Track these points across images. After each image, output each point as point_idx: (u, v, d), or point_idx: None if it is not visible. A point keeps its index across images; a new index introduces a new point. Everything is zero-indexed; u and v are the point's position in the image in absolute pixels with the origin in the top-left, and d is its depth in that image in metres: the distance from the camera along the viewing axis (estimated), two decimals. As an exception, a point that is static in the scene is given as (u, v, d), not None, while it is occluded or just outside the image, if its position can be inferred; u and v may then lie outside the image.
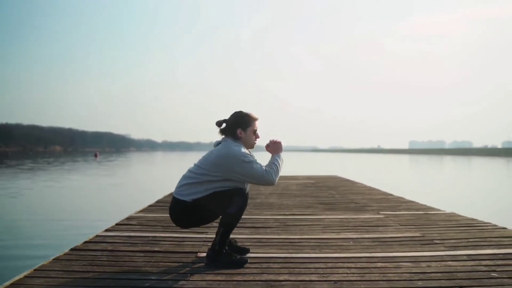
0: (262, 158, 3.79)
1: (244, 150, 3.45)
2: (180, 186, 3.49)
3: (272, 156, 3.57)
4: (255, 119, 3.57)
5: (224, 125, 3.58)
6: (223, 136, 3.57)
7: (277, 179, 3.46)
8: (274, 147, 3.62)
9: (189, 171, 3.52)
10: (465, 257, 3.70)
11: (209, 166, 3.42)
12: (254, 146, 3.62)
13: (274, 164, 3.48)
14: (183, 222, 3.55)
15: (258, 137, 3.62)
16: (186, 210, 3.44)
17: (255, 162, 3.39)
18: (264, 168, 3.41)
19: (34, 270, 3.30)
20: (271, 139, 3.67)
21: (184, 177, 3.52)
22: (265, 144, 3.67)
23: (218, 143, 3.57)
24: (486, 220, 5.56)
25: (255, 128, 3.58)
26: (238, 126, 3.52)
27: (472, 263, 3.53)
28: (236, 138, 3.52)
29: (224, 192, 3.41)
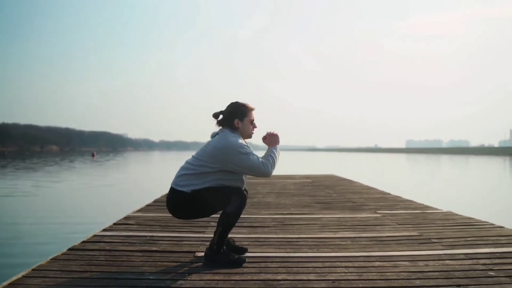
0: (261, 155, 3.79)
1: (241, 141, 3.46)
2: (178, 176, 3.50)
3: (268, 148, 3.58)
4: (252, 109, 3.58)
5: (221, 116, 3.59)
6: (220, 127, 3.58)
7: (273, 171, 3.46)
8: (271, 140, 3.63)
9: (187, 162, 3.53)
10: (462, 256, 3.71)
11: (206, 157, 3.43)
12: (252, 136, 3.62)
13: (270, 156, 3.48)
14: (180, 213, 3.54)
15: (256, 127, 3.63)
16: (184, 201, 3.43)
17: (251, 153, 3.39)
18: (260, 159, 3.41)
19: (32, 270, 3.29)
20: (269, 131, 3.69)
21: (182, 168, 3.52)
22: (262, 136, 3.69)
23: (215, 134, 3.58)
24: (483, 219, 5.58)
25: (252, 118, 3.58)
26: (235, 116, 3.52)
27: (470, 262, 3.54)
28: (233, 128, 3.52)
29: (224, 188, 3.42)
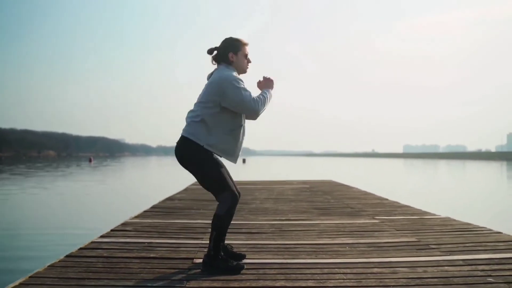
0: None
1: (236, 74, 3.49)
2: (186, 125, 3.51)
3: (262, 90, 3.63)
4: (246, 44, 3.61)
5: (215, 52, 3.61)
6: (216, 65, 3.61)
7: (262, 110, 3.47)
8: (265, 83, 3.67)
9: (190, 111, 3.55)
10: (461, 262, 3.71)
11: (204, 96, 3.47)
12: (247, 71, 3.64)
13: (262, 95, 3.52)
14: (181, 160, 3.50)
15: (250, 62, 3.65)
16: (189, 153, 3.43)
17: (245, 89, 3.41)
18: (252, 96, 3.43)
19: (29, 277, 3.27)
20: (264, 75, 3.71)
21: (187, 117, 3.54)
22: (257, 81, 3.72)
23: (211, 75, 3.60)
24: (481, 225, 5.59)
25: (246, 53, 3.61)
26: (229, 50, 3.55)
27: (468, 268, 3.54)
28: (228, 63, 3.55)
29: (222, 179, 3.43)
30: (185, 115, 3.58)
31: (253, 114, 3.46)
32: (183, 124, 3.56)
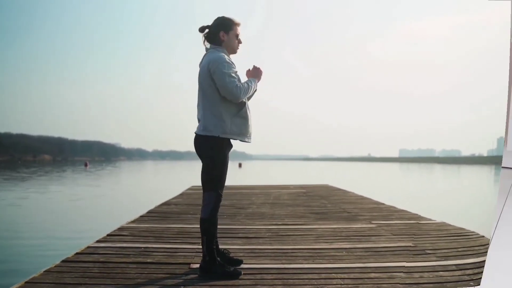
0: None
1: (227, 58, 3.49)
2: (199, 121, 3.54)
3: (248, 78, 3.64)
4: (238, 24, 3.61)
5: (206, 30, 3.62)
6: (206, 47, 3.62)
7: (242, 97, 3.46)
8: (253, 72, 3.69)
9: (197, 106, 3.60)
10: (454, 268, 3.71)
11: (201, 79, 3.50)
12: (237, 51, 3.65)
13: (246, 83, 3.53)
14: (197, 149, 3.54)
15: (241, 42, 3.65)
16: (202, 145, 3.47)
17: (230, 74, 3.40)
18: (236, 83, 3.43)
19: (25, 282, 3.26)
20: (255, 64, 3.73)
21: (198, 115, 3.57)
22: (246, 70, 3.73)
23: (202, 61, 3.61)
24: (475, 230, 5.60)
25: (238, 33, 3.61)
26: (221, 28, 3.56)
27: (461, 272, 3.54)
28: (219, 43, 3.56)
29: (220, 180, 3.47)
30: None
31: (233, 100, 3.46)
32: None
